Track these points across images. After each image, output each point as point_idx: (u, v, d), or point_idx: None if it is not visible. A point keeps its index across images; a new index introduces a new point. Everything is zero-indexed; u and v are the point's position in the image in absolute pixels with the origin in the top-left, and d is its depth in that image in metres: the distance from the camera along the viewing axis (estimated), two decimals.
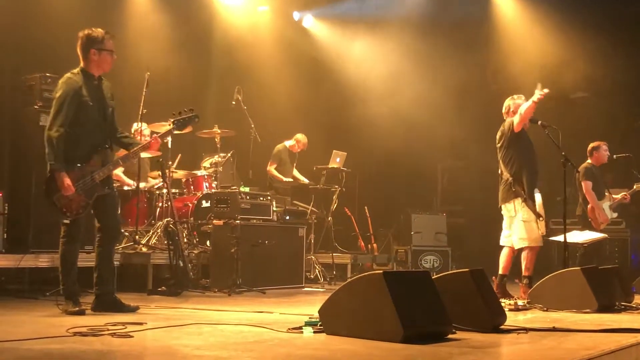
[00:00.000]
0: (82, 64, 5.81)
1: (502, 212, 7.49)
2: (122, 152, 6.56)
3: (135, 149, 5.99)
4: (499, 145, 7.53)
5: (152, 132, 8.42)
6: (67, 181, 5.54)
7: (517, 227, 7.31)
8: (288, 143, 11.48)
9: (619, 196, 9.56)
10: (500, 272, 7.45)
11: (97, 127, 5.79)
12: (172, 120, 6.29)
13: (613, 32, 11.77)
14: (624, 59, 11.72)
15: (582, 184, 9.25)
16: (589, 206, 9.25)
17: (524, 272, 7.32)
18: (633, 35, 11.81)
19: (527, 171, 7.35)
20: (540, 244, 7.37)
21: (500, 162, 7.50)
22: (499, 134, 7.56)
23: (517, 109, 7.48)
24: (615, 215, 9.51)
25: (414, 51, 12.59)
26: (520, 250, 7.37)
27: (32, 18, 9.10)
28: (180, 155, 9.66)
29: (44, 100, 7.22)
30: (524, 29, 12.71)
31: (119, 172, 8.76)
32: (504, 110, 7.63)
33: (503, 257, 7.50)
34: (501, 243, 7.55)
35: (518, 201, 7.29)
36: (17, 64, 8.80)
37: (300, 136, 11.45)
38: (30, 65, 8.27)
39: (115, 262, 6.16)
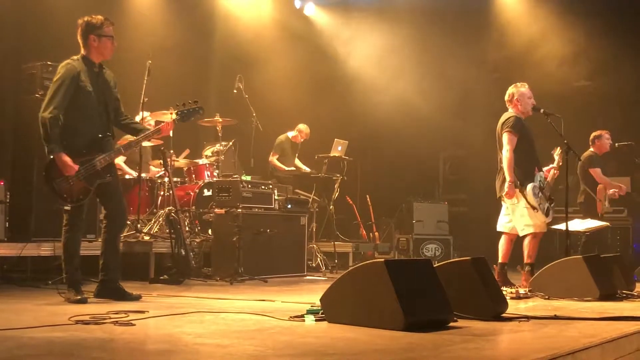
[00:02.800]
0: (82, 51, 5.79)
1: (503, 201, 7.47)
2: (123, 140, 6.56)
3: (146, 134, 5.98)
4: (498, 134, 7.50)
5: (157, 122, 8.40)
6: (68, 160, 5.50)
7: (521, 214, 7.29)
8: (290, 134, 11.47)
9: (610, 192, 9.53)
10: (500, 260, 7.44)
11: (97, 114, 5.75)
12: (176, 111, 6.27)
13: (616, 20, 11.73)
14: (627, 48, 11.68)
15: (591, 171, 9.25)
16: (598, 187, 9.21)
17: (525, 260, 7.30)
18: (637, 23, 11.76)
19: (523, 160, 7.31)
20: (545, 229, 7.35)
21: (499, 150, 7.48)
22: (499, 124, 7.52)
23: (521, 97, 7.46)
24: (607, 206, 9.50)
25: (416, 39, 12.58)
26: (519, 237, 7.38)
27: (33, 6, 9.08)
28: (188, 150, 9.64)
29: (45, 88, 7.16)
30: (526, 18, 12.68)
31: (120, 161, 8.76)
32: (506, 98, 7.59)
33: (502, 245, 7.49)
34: (498, 229, 7.53)
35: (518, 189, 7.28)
36: (18, 52, 8.79)
37: (302, 126, 11.44)
38: (32, 53, 8.26)
39: None
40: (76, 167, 5.54)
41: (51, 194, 5.64)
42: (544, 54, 12.18)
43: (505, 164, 7.22)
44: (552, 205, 7.35)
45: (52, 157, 5.53)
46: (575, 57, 12.07)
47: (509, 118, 7.40)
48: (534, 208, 7.17)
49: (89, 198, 5.73)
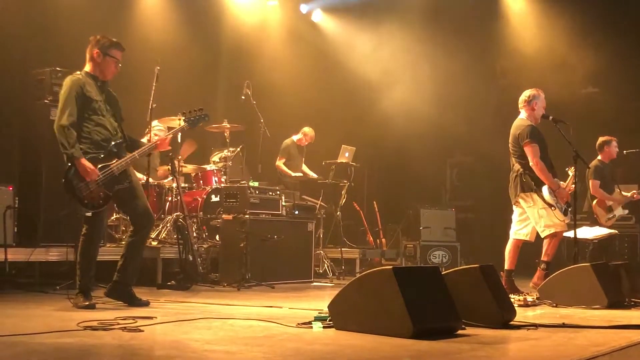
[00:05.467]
0: (86, 67, 5.89)
1: (520, 205, 7.45)
2: None
3: (142, 148, 6.01)
4: (511, 141, 7.49)
5: (169, 128, 8.42)
6: (89, 165, 5.57)
7: (540, 215, 7.27)
8: (295, 137, 11.49)
9: (628, 194, 9.54)
10: (506, 267, 7.42)
11: (107, 122, 5.84)
12: (184, 118, 6.33)
13: (624, 27, 11.72)
14: (634, 54, 11.67)
15: (590, 182, 9.23)
16: (594, 203, 9.24)
17: (543, 257, 7.32)
18: None
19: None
20: (565, 229, 7.35)
21: (512, 155, 7.47)
22: (514, 132, 7.49)
23: (539, 102, 7.45)
24: (626, 212, 9.49)
25: (423, 46, 12.57)
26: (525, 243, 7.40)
27: (43, 12, 9.11)
28: (194, 143, 9.60)
29: (54, 94, 7.21)
30: (533, 24, 12.67)
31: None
32: (524, 98, 7.47)
33: (508, 252, 7.48)
34: (514, 237, 7.50)
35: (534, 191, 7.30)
36: (27, 58, 8.83)
37: (307, 129, 11.46)
38: (41, 59, 8.29)
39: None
40: (97, 171, 5.60)
41: (72, 201, 5.67)
42: (552, 61, 12.16)
43: (541, 175, 7.22)
44: (569, 208, 7.34)
45: (71, 163, 5.58)
46: (583, 63, 12.06)
47: (524, 128, 7.37)
48: (550, 206, 7.17)
49: (109, 204, 5.79)
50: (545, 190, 7.20)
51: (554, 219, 7.21)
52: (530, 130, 7.33)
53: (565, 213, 7.26)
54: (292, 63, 12.82)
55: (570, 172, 7.64)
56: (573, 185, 7.53)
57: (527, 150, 7.28)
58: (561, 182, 7.50)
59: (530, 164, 7.26)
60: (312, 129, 11.48)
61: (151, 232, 6.72)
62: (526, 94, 7.55)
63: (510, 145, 7.49)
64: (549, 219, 7.23)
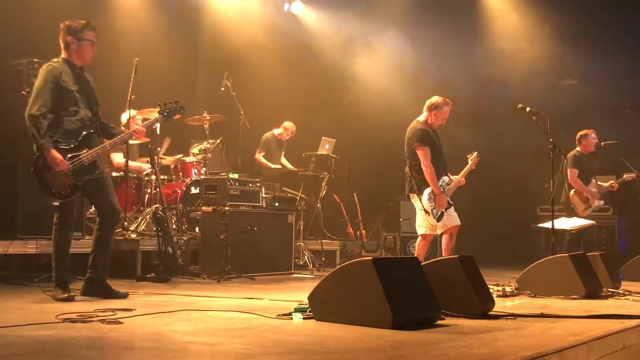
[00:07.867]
0: (63, 54, 5.85)
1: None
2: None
3: (116, 138, 5.98)
4: (405, 141, 7.66)
5: (144, 120, 8.37)
6: (58, 156, 5.53)
7: (418, 215, 7.59)
8: (276, 131, 11.48)
9: (606, 184, 9.62)
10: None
11: (81, 112, 5.78)
12: (158, 110, 6.32)
13: (602, 20, 11.80)
14: (612, 47, 11.75)
15: (568, 171, 9.31)
16: (571, 193, 9.32)
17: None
18: (621, 22, 11.84)
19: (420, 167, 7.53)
20: (435, 232, 7.60)
21: (407, 157, 7.66)
22: (408, 134, 7.63)
23: (439, 113, 7.64)
24: (601, 202, 9.58)
25: (403, 38, 12.58)
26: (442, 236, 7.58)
27: (20, 3, 9.02)
28: (169, 139, 9.58)
29: (31, 85, 7.06)
30: (513, 17, 12.72)
31: (120, 159, 8.74)
32: (427, 104, 7.70)
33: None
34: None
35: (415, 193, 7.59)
36: (4, 49, 8.73)
37: (288, 124, 11.46)
38: (18, 50, 8.21)
39: None
40: (66, 162, 5.56)
41: (39, 190, 5.63)
42: (532, 53, 12.22)
43: (428, 178, 7.45)
44: (448, 209, 7.51)
45: (40, 153, 5.53)
46: (562, 56, 12.13)
47: (415, 132, 7.58)
48: (425, 212, 7.44)
49: (77, 194, 5.73)
50: (425, 195, 7.48)
51: (426, 222, 7.52)
52: (421, 134, 7.53)
53: (439, 219, 7.48)
54: (272, 54, 12.78)
55: (470, 160, 7.77)
56: (463, 179, 7.72)
57: (419, 153, 7.51)
58: (453, 176, 7.75)
59: (422, 165, 7.47)
60: (293, 123, 11.48)
61: (117, 227, 6.66)
62: (432, 100, 7.74)
63: (406, 146, 7.63)
64: (423, 221, 7.54)
